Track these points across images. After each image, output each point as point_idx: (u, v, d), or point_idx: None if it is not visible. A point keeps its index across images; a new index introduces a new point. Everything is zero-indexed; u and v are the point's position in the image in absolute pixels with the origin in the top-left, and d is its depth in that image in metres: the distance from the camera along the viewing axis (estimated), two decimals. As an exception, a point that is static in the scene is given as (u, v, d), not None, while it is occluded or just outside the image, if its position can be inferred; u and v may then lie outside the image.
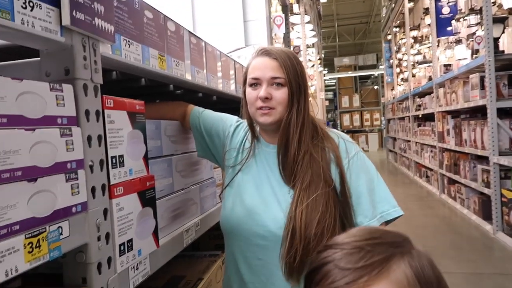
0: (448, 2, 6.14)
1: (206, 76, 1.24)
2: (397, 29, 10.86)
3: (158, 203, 0.92)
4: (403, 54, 10.25)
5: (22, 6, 0.55)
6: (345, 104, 16.05)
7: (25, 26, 0.56)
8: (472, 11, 4.99)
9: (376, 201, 1.00)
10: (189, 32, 1.14)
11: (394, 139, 10.65)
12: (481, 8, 4.43)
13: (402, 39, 10.23)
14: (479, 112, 4.60)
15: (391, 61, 11.77)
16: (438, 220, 4.71)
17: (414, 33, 8.69)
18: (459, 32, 5.49)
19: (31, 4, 0.57)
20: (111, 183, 0.73)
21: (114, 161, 0.74)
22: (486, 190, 4.10)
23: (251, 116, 1.05)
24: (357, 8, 14.68)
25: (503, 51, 3.88)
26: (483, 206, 4.27)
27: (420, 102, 7.41)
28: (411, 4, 9.14)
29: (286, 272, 0.94)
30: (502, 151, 3.86)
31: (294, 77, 0.99)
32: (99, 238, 0.68)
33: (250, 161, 1.08)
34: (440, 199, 5.82)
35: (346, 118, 15.84)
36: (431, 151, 6.53)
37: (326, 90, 15.81)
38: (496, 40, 3.88)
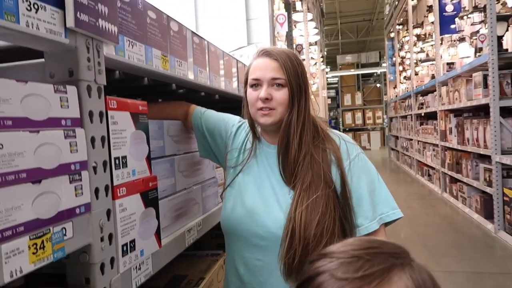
0: (452, 0, 6.10)
1: (208, 76, 1.24)
2: (400, 26, 10.82)
3: (160, 203, 0.93)
4: (406, 52, 10.22)
5: (27, 8, 0.55)
6: (348, 102, 16.03)
7: (30, 28, 0.56)
8: (475, 9, 4.97)
9: (376, 203, 1.00)
10: (192, 32, 1.14)
11: (396, 137, 10.63)
12: (485, 6, 4.40)
13: (405, 36, 10.20)
14: (481, 111, 4.58)
15: (393, 59, 11.74)
16: (440, 219, 4.71)
17: (417, 30, 8.65)
18: (463, 30, 5.47)
19: (35, 6, 0.57)
20: (114, 184, 0.73)
21: (117, 162, 0.75)
22: (488, 189, 4.09)
23: (252, 117, 1.05)
24: (360, 5, 14.63)
25: (506, 50, 3.87)
26: (485, 205, 4.26)
27: (423, 101, 7.39)
28: (415, 1, 9.09)
29: (285, 272, 0.94)
30: (505, 150, 3.86)
31: (294, 78, 1.00)
32: (102, 239, 0.69)
33: (251, 162, 1.08)
34: (442, 198, 5.82)
35: (348, 116, 15.82)
36: (433, 150, 6.52)
37: (328, 88, 15.81)
38: (499, 38, 3.87)
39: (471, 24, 5.04)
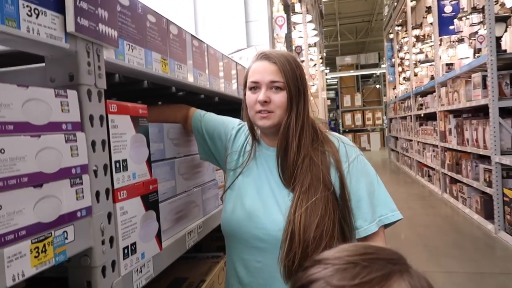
0: (451, 1, 6.12)
1: (208, 78, 1.24)
2: (399, 27, 10.84)
3: (161, 206, 0.93)
4: (405, 53, 10.24)
5: (27, 14, 0.56)
6: (347, 103, 16.04)
7: (30, 34, 0.56)
8: (474, 10, 4.99)
9: (375, 205, 1.01)
10: (191, 35, 1.14)
11: (396, 138, 10.64)
12: (483, 7, 4.41)
13: (404, 37, 10.22)
14: (481, 112, 4.59)
15: (393, 60, 11.75)
16: (440, 220, 4.71)
17: (416, 31, 8.67)
18: (462, 31, 5.48)
19: (36, 11, 0.57)
20: (115, 187, 0.74)
21: (117, 165, 0.75)
22: (488, 190, 4.10)
23: (251, 119, 1.06)
24: (359, 6, 14.66)
25: (505, 50, 3.87)
26: (485, 206, 4.27)
27: (422, 101, 7.40)
28: (414, 2, 9.12)
29: (285, 275, 0.95)
30: (504, 151, 3.86)
31: (293, 81, 1.00)
32: (103, 242, 0.69)
33: (250, 164, 1.09)
34: (442, 199, 5.82)
35: (348, 117, 15.83)
36: (433, 151, 6.53)
37: (328, 89, 15.83)
38: (498, 39, 3.87)
39: (470, 25, 5.05)
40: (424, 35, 8.28)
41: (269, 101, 1.00)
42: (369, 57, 17.44)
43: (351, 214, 0.99)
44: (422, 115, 7.63)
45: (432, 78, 6.66)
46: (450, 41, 6.29)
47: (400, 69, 11.03)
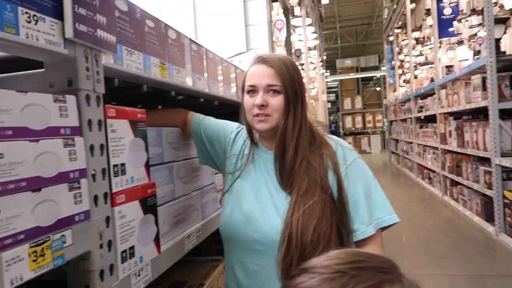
0: (450, 3, 6.14)
1: (207, 82, 1.25)
2: (399, 30, 10.86)
3: (159, 209, 0.94)
4: (405, 56, 10.25)
5: (26, 21, 0.57)
6: (347, 106, 16.04)
7: (29, 40, 0.57)
8: (473, 12, 4.99)
9: (372, 208, 1.01)
10: (190, 39, 1.15)
11: (397, 140, 10.64)
12: (482, 9, 4.42)
13: (404, 40, 10.23)
14: (481, 114, 4.59)
15: (393, 62, 11.77)
16: (441, 222, 4.70)
17: (416, 34, 8.69)
18: (461, 33, 5.49)
19: (35, 18, 0.58)
20: (113, 191, 0.74)
21: (116, 169, 0.76)
22: (488, 192, 4.09)
23: (249, 123, 1.06)
24: (359, 9, 14.70)
25: (504, 52, 3.88)
26: (486, 208, 4.26)
27: (422, 104, 7.40)
28: (413, 5, 9.14)
29: (282, 277, 0.95)
30: (504, 153, 3.86)
31: (290, 84, 1.01)
32: (101, 246, 0.70)
33: (249, 167, 1.09)
34: (442, 201, 5.81)
35: (348, 120, 15.82)
36: (434, 153, 6.52)
37: (328, 92, 15.83)
38: (497, 41, 3.88)
39: (469, 27, 5.07)
40: (423, 37, 8.29)
41: (266, 104, 1.00)
42: (369, 60, 17.46)
43: (348, 217, 0.99)
44: (422, 118, 7.63)
45: (432, 80, 6.67)
46: (450, 43, 6.30)
47: (400, 71, 11.04)
